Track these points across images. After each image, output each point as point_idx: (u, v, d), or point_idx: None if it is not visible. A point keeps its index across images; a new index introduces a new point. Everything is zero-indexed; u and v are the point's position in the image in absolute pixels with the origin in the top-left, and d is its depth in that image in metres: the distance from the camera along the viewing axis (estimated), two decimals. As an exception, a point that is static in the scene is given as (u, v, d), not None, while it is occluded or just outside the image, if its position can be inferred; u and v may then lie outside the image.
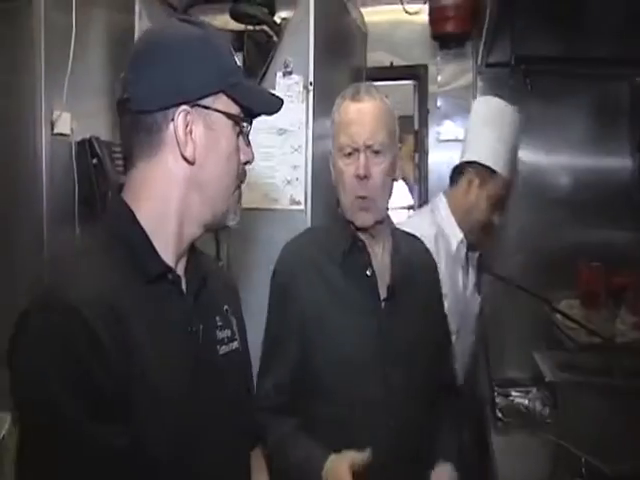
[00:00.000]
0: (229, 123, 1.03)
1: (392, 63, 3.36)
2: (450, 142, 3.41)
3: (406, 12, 3.30)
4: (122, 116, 1.02)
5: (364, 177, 1.49)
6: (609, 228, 3.16)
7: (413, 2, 3.31)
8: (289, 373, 1.51)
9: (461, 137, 3.39)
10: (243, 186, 1.10)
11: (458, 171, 2.30)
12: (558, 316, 3.01)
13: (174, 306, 1.02)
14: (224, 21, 2.29)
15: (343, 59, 2.61)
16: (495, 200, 2.21)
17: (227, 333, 1.14)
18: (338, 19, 2.53)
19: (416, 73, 3.38)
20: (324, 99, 2.02)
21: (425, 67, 3.37)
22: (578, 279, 2.93)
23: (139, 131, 1.00)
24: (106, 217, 1.07)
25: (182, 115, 0.98)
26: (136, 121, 1.00)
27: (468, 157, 2.27)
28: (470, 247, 2.25)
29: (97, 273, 0.94)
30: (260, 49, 2.15)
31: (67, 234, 1.88)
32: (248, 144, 1.09)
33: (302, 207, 2.04)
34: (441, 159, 3.44)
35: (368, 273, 1.53)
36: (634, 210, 3.15)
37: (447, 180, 3.44)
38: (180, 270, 1.06)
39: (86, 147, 1.95)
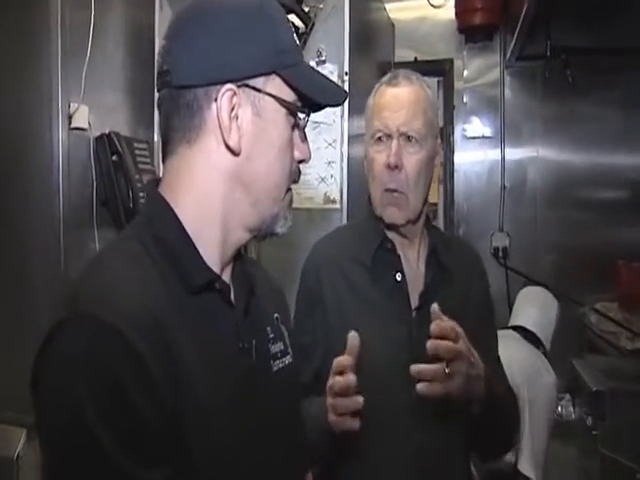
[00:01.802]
0: (282, 112, 0.87)
1: (416, 58, 3.25)
2: (477, 139, 3.30)
3: (431, 5, 3.19)
4: (160, 91, 0.87)
5: (395, 167, 1.35)
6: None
7: (437, -4, 3.20)
8: (313, 376, 1.40)
9: (488, 134, 3.31)
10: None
11: None
12: (593, 319, 2.90)
13: (223, 319, 0.88)
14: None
15: (374, 52, 2.50)
16: None
17: (280, 346, 0.99)
18: (369, 9, 2.42)
19: (441, 68, 3.28)
20: (357, 92, 1.90)
21: (451, 62, 3.27)
22: (617, 280, 2.81)
23: (179, 109, 0.85)
24: (142, 216, 0.91)
25: (227, 95, 0.83)
26: (175, 97, 0.85)
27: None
28: None
29: (137, 283, 0.79)
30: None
31: (85, 236, 1.76)
32: (304, 140, 0.93)
33: (337, 206, 1.92)
34: (467, 157, 3.33)
35: (398, 278, 1.39)
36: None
37: (473, 178, 3.41)
38: (227, 278, 0.92)
39: (105, 143, 1.83)
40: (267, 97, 0.86)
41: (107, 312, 0.73)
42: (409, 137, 1.36)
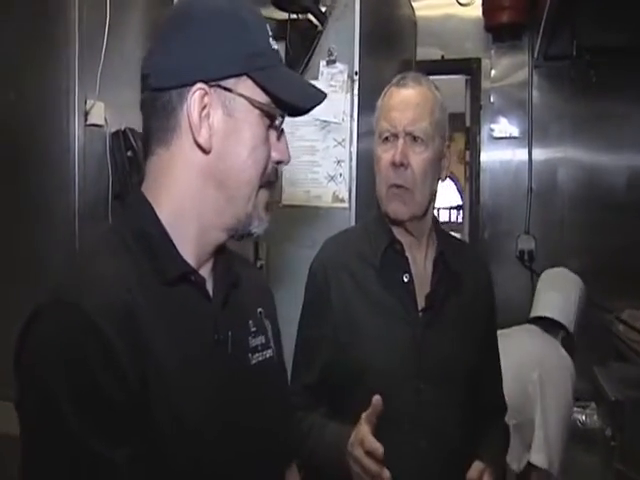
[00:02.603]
0: (256, 112, 0.89)
1: (443, 57, 3.22)
2: (504, 139, 3.26)
3: (459, 3, 3.15)
4: (142, 93, 0.91)
5: (400, 164, 1.36)
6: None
7: (465, -6, 3.17)
8: (318, 376, 1.42)
9: (515, 134, 3.26)
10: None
11: None
12: (620, 327, 2.83)
13: (199, 311, 0.91)
14: (268, 11, 2.19)
15: (391, 50, 2.48)
16: None
17: (261, 340, 1.02)
18: (385, 7, 2.41)
19: (468, 67, 3.24)
20: (371, 92, 1.90)
21: (478, 61, 3.23)
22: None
23: (156, 111, 0.89)
24: (124, 212, 0.96)
25: (198, 95, 0.86)
26: (153, 100, 0.89)
27: None
28: None
29: (112, 274, 0.83)
30: (304, 38, 2.04)
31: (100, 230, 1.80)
32: (282, 141, 0.95)
33: (346, 205, 1.92)
34: (494, 157, 3.29)
35: (405, 279, 1.40)
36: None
37: (500, 179, 3.36)
38: (205, 272, 0.95)
39: (121, 139, 1.87)
40: (238, 98, 0.89)
41: (79, 298, 0.78)
42: (415, 137, 1.37)
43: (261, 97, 0.90)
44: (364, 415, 1.19)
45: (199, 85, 0.86)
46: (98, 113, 1.81)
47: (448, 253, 1.44)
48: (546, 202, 3.20)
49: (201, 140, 0.87)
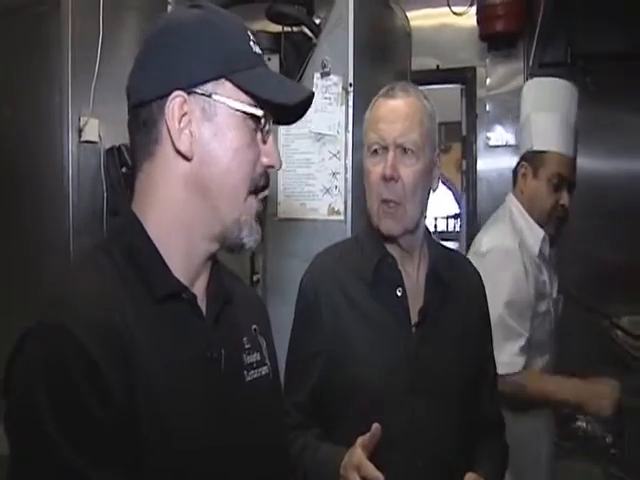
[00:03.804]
0: (238, 115, 0.89)
1: (438, 66, 3.22)
2: (500, 148, 3.25)
3: (453, 13, 3.15)
4: (128, 112, 0.92)
5: (390, 178, 1.34)
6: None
7: (459, 4, 3.16)
8: (309, 394, 1.39)
9: (512, 142, 3.24)
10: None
11: (515, 169, 2.21)
12: (619, 333, 2.81)
13: (191, 329, 0.90)
14: (262, 24, 2.19)
15: (386, 61, 2.47)
16: (556, 180, 2.05)
17: (256, 357, 1.01)
18: (379, 18, 2.41)
19: (464, 76, 3.23)
20: (365, 104, 1.89)
21: (473, 70, 3.21)
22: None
23: (139, 127, 0.89)
24: (113, 229, 0.97)
25: (176, 103, 0.86)
26: (136, 116, 0.89)
27: (521, 151, 2.19)
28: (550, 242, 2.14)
29: (98, 292, 0.81)
30: (298, 51, 2.04)
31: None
32: (269, 144, 0.94)
33: (342, 217, 1.91)
34: (491, 166, 3.27)
35: (398, 293, 1.37)
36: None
37: (496, 188, 3.35)
38: (198, 289, 0.94)
39: (115, 155, 1.87)
40: (218, 102, 0.88)
41: (63, 319, 0.76)
42: (405, 149, 1.35)
43: (243, 99, 0.89)
44: (360, 440, 1.16)
45: (177, 93, 0.86)
46: (92, 129, 1.80)
47: (440, 266, 1.42)
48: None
49: (182, 147, 0.87)
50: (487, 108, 3.24)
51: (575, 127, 2.15)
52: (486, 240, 2.01)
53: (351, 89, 1.90)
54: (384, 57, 2.43)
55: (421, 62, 3.19)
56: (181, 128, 0.86)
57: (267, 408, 1.01)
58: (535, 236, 2.05)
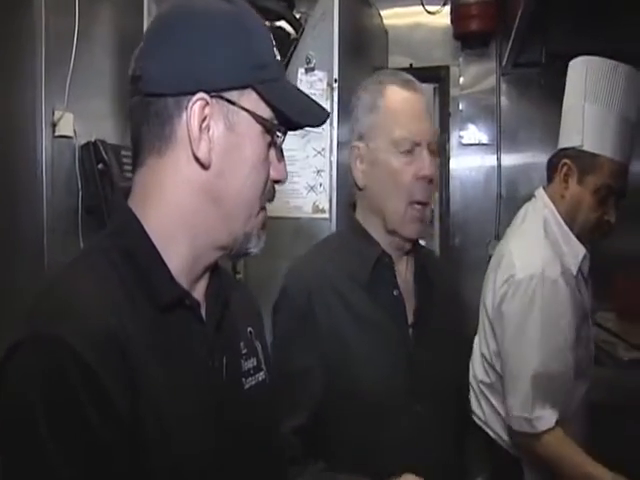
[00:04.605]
0: (258, 128, 0.84)
1: (412, 65, 3.22)
2: (473, 146, 3.27)
3: (427, 12, 3.15)
4: (131, 97, 0.85)
5: (430, 180, 1.28)
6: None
7: (433, 3, 3.17)
8: (310, 413, 1.25)
9: (485, 141, 3.27)
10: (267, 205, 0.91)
11: (553, 163, 1.82)
12: (594, 330, 2.85)
13: (193, 337, 0.85)
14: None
15: (365, 59, 2.46)
16: (605, 192, 1.71)
17: (253, 362, 0.96)
18: (360, 15, 2.39)
19: (437, 75, 3.24)
20: (347, 99, 1.87)
21: (446, 69, 3.23)
22: (615, 291, 2.77)
23: (149, 118, 0.82)
24: (109, 228, 0.88)
25: (198, 105, 0.80)
26: (146, 105, 0.82)
27: (563, 142, 1.82)
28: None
29: (97, 299, 0.76)
30: (280, 46, 2.00)
31: (70, 246, 1.73)
32: (281, 159, 0.90)
33: (327, 215, 1.89)
34: (464, 164, 3.30)
35: (395, 294, 1.33)
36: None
37: (469, 186, 3.38)
38: (198, 294, 0.89)
39: (91, 151, 1.80)
40: (242, 112, 0.83)
41: (60, 329, 0.70)
42: (432, 149, 1.31)
43: (264, 112, 0.84)
44: None
45: (200, 95, 0.80)
46: (67, 124, 1.74)
47: (427, 264, 1.41)
48: (516, 208, 3.19)
49: (200, 154, 0.81)
50: (460, 107, 3.26)
51: (634, 127, 1.77)
52: (520, 264, 1.64)
53: (336, 85, 1.88)
54: (365, 54, 2.42)
55: (394, 60, 3.19)
56: (201, 133, 0.81)
57: (265, 416, 0.97)
58: (574, 254, 1.72)
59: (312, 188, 1.87)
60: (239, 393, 0.91)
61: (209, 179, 0.83)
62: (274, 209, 1.85)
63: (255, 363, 0.97)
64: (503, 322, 1.65)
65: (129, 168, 1.88)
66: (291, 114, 0.85)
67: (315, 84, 1.86)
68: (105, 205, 1.79)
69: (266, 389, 0.98)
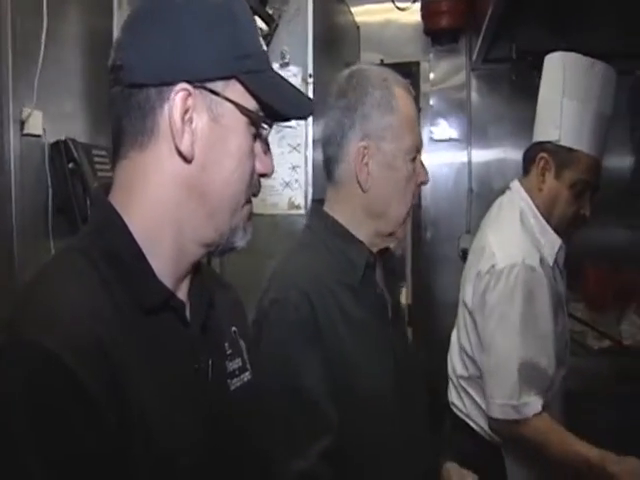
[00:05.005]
0: (243, 120, 0.81)
1: (382, 61, 3.23)
2: (444, 142, 3.29)
3: (397, 8, 3.17)
4: (112, 88, 0.81)
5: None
6: (611, 228, 3.06)
7: (403, 0, 3.18)
8: (321, 451, 1.11)
9: (455, 137, 3.29)
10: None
11: (530, 155, 1.86)
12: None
13: (178, 340, 0.82)
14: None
15: (338, 54, 2.47)
16: (581, 187, 1.77)
17: (238, 363, 0.94)
18: (333, 11, 2.39)
19: (407, 71, 3.24)
20: (322, 95, 1.87)
21: (417, 64, 3.25)
22: (584, 281, 2.82)
23: (130, 110, 0.79)
24: (89, 226, 0.84)
25: (181, 95, 0.77)
26: (127, 96, 0.79)
27: (539, 136, 1.85)
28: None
29: (80, 303, 0.73)
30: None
31: (40, 246, 1.69)
32: (267, 152, 0.87)
33: (302, 212, 1.88)
34: (435, 160, 3.32)
35: (379, 292, 1.31)
36: (636, 209, 3.06)
37: (440, 182, 3.40)
38: (182, 294, 0.86)
39: (61, 149, 1.75)
40: (226, 103, 0.80)
41: (42, 334, 0.67)
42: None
43: (250, 103, 0.82)
44: None
45: (183, 85, 0.78)
46: (35, 122, 1.69)
47: (388, 256, 1.41)
48: (486, 202, 3.22)
49: (182, 147, 0.78)
50: (431, 102, 3.28)
51: (608, 123, 1.83)
52: (500, 254, 1.69)
53: (311, 80, 1.87)
54: (337, 50, 2.42)
55: (366, 57, 3.19)
56: (183, 125, 0.78)
57: (252, 417, 0.95)
58: (551, 245, 1.77)
59: (288, 184, 1.86)
60: (225, 395, 0.89)
61: (193, 173, 0.80)
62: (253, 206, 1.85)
63: (240, 363, 0.95)
64: (486, 311, 1.70)
65: (101, 167, 1.84)
66: (277, 105, 0.83)
67: (290, 79, 1.84)
68: (76, 205, 1.75)
69: (251, 389, 0.96)
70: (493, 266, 1.68)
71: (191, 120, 0.79)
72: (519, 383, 1.62)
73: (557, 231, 1.78)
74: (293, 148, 1.87)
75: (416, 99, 3.28)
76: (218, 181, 0.81)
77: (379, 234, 1.30)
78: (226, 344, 0.93)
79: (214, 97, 0.80)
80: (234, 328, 0.98)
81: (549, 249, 1.76)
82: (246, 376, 0.95)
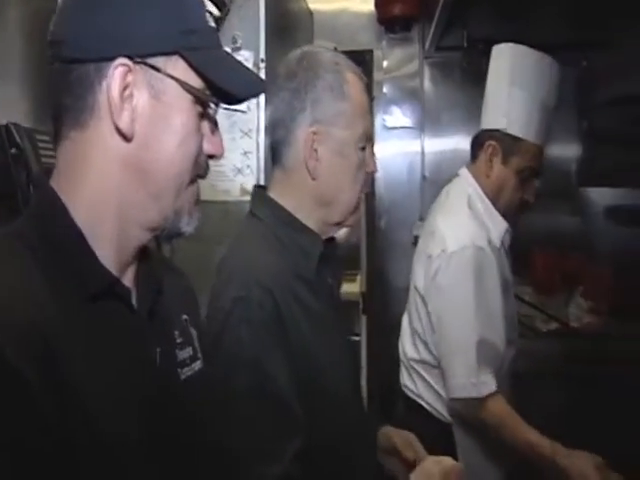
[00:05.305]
0: (187, 97, 0.79)
1: (336, 48, 3.20)
2: (397, 130, 3.31)
3: (351, -5, 3.16)
4: (51, 64, 0.78)
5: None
6: (559, 215, 3.15)
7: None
8: (294, 454, 1.07)
9: (409, 125, 3.31)
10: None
11: (478, 142, 1.92)
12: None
13: (124, 328, 0.79)
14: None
15: (291, 40, 2.44)
16: (527, 174, 1.84)
17: (189, 352, 0.92)
18: (286, -2, 2.36)
19: (361, 59, 3.24)
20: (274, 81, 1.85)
21: (370, 52, 3.25)
22: (532, 266, 2.89)
23: (70, 87, 0.76)
24: (29, 210, 0.81)
25: (120, 71, 0.74)
26: (66, 72, 0.76)
27: (487, 124, 1.92)
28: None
29: (16, 289, 0.69)
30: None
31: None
32: (216, 133, 0.84)
33: (255, 198, 1.85)
34: (388, 147, 3.34)
35: (330, 281, 1.29)
36: (582, 196, 3.15)
37: (393, 169, 3.42)
38: (128, 280, 0.83)
39: (3, 135, 1.69)
40: (168, 79, 0.78)
41: None
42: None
43: (195, 81, 0.79)
44: None
45: (121, 60, 0.75)
46: (-26, 107, 1.63)
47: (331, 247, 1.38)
48: (440, 189, 3.27)
49: (122, 125, 0.75)
50: (384, 90, 3.29)
51: (551, 113, 1.91)
52: (451, 238, 1.75)
53: (263, 65, 1.85)
54: (290, 36, 2.39)
55: (319, 44, 3.17)
56: (122, 102, 0.75)
57: (204, 407, 0.92)
58: (497, 228, 1.83)
59: (239, 170, 1.84)
60: (175, 385, 0.86)
61: (134, 152, 0.77)
62: (200, 193, 1.82)
63: (191, 352, 0.92)
64: (439, 294, 1.75)
65: (45, 153, 1.78)
66: (223, 83, 0.81)
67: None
68: (20, 191, 1.70)
69: (203, 378, 0.94)
70: (444, 250, 1.74)
71: (131, 97, 0.76)
72: (477, 361, 1.67)
73: (504, 216, 1.85)
74: (245, 134, 1.85)
75: (369, 87, 3.30)
76: (161, 160, 0.79)
77: (327, 223, 1.26)
78: (176, 332, 0.91)
79: (155, 73, 0.77)
80: (185, 316, 0.96)
81: (496, 232, 1.82)
82: (197, 365, 0.93)
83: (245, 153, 1.85)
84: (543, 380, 2.38)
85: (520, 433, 1.64)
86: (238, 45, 1.83)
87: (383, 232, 3.37)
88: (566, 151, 3.13)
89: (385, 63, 3.26)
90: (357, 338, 3.73)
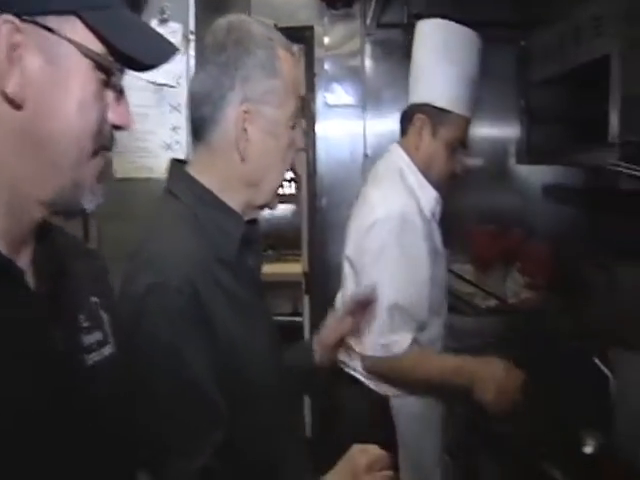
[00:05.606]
0: (86, 62, 0.72)
1: (275, 25, 3.14)
2: (339, 108, 3.28)
3: (290, -30, 3.09)
4: None
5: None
6: (497, 193, 3.20)
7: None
8: (218, 444, 1.04)
9: (350, 102, 3.28)
10: (113, 155, 0.80)
11: (407, 117, 1.95)
12: (450, 281, 3.00)
13: (18, 312, 0.73)
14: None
15: (225, 14, 2.36)
16: (455, 144, 1.91)
17: (97, 336, 0.86)
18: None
19: (301, 35, 3.20)
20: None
21: (311, 29, 3.20)
22: (471, 243, 2.92)
23: None
24: None
25: (5, 29, 0.67)
26: None
27: (416, 98, 1.94)
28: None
29: None
30: (130, -4, 1.87)
31: None
32: (121, 101, 0.77)
33: (184, 175, 1.79)
34: (330, 125, 3.31)
35: (250, 263, 1.23)
36: (521, 174, 3.20)
37: (335, 148, 3.39)
38: (24, 262, 0.77)
39: None
40: (63, 42, 0.70)
41: None
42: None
43: (95, 45, 0.72)
44: None
45: (6, 17, 0.67)
46: None
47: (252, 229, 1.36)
48: (381, 168, 3.29)
49: (10, 90, 0.68)
50: (325, 67, 3.25)
51: (476, 86, 1.95)
52: (380, 207, 1.80)
53: (192, 37, 1.78)
54: (224, 9, 2.32)
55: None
56: (10, 65, 0.68)
57: (113, 393, 0.87)
58: (428, 199, 1.89)
59: (169, 146, 1.77)
60: (79, 370, 0.81)
61: (26, 120, 0.70)
62: (126, 170, 1.75)
63: (100, 337, 0.87)
64: (366, 258, 1.81)
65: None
66: (125, 48, 0.74)
67: (169, 37, 1.73)
68: None
69: (114, 363, 0.88)
70: (372, 218, 1.80)
71: (20, 59, 0.69)
72: (388, 323, 1.74)
73: (436, 188, 1.91)
74: (174, 108, 1.78)
75: (310, 64, 3.28)
76: (58, 128, 0.72)
77: (252, 204, 1.21)
78: (82, 316, 0.85)
79: (49, 35, 0.70)
80: (95, 299, 0.90)
81: (427, 202, 1.89)
82: (107, 350, 0.87)
83: (174, 128, 1.79)
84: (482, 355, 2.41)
85: (445, 363, 1.79)
86: (165, 17, 1.76)
87: (324, 212, 3.34)
88: (506, 129, 3.17)
89: (326, 40, 3.22)
90: (300, 319, 3.74)
